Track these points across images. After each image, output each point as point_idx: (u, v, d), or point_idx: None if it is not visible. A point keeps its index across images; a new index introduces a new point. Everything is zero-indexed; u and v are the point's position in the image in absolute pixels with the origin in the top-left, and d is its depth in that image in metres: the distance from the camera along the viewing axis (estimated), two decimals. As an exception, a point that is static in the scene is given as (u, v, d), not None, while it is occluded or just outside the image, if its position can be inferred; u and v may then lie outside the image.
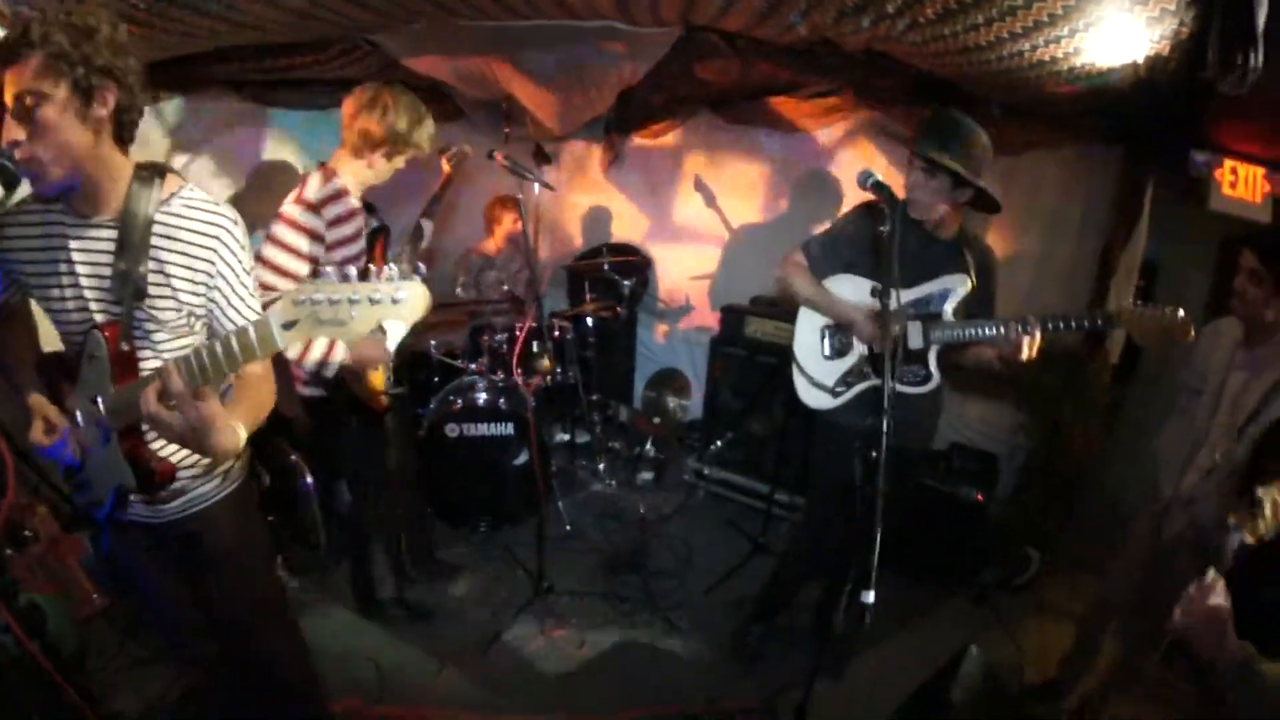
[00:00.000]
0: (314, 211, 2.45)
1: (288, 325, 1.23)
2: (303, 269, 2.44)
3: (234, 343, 1.33)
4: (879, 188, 2.07)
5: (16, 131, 1.40)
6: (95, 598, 2.91)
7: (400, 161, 2.67)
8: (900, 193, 2.29)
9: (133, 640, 2.87)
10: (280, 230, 2.43)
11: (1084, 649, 2.78)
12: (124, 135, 1.56)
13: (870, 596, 1.91)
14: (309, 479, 3.60)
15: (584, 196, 5.48)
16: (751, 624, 3.11)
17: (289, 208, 2.46)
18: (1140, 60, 2.34)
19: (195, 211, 1.60)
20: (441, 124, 3.09)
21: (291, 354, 2.42)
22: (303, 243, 2.43)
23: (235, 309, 1.66)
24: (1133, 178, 3.22)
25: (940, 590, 3.54)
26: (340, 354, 2.47)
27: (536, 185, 4.51)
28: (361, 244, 2.66)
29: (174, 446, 1.65)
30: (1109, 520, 3.30)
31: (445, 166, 3.14)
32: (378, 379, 2.72)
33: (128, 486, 1.58)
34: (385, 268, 1.19)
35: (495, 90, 4.24)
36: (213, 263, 1.60)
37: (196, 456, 1.69)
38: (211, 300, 1.63)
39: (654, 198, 5.22)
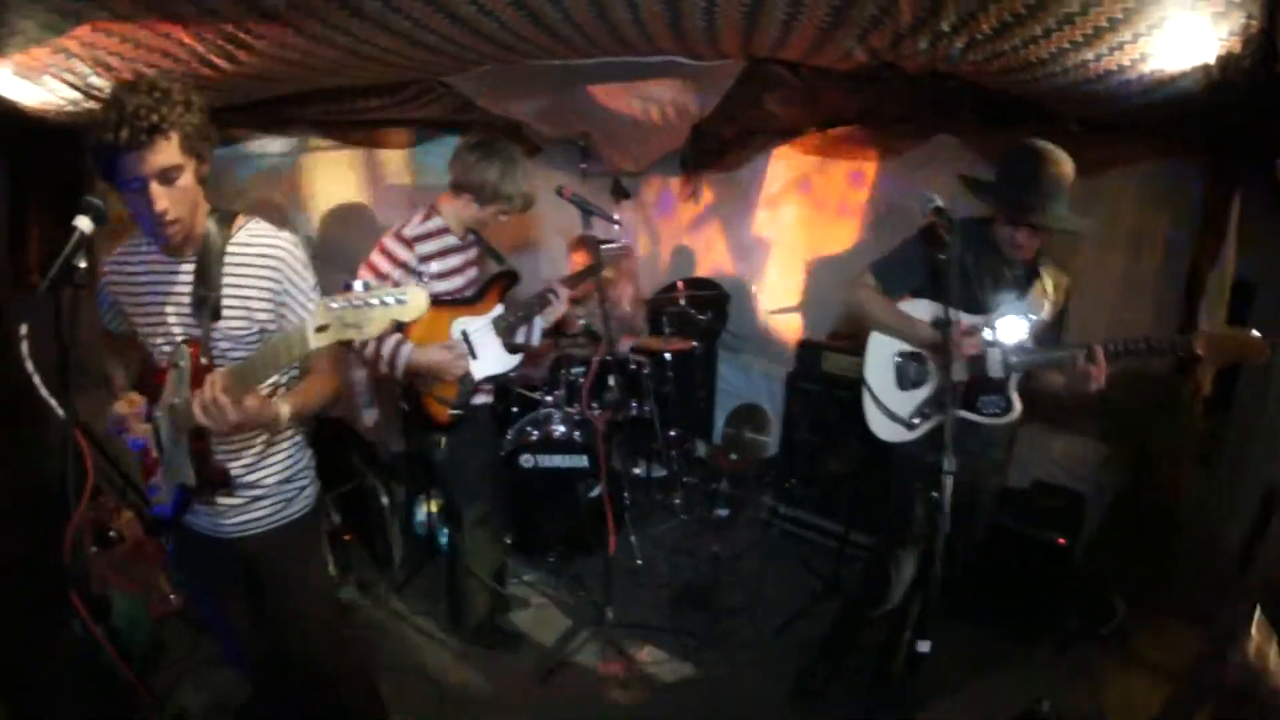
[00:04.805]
0: (407, 245, 2.66)
1: (321, 329, 1.49)
2: None
3: (276, 343, 1.61)
4: (939, 213, 2.04)
5: (164, 201, 1.65)
6: (172, 598, 3.15)
7: (494, 211, 2.79)
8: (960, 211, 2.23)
9: (205, 639, 3.00)
10: (375, 257, 2.67)
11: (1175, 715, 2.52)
12: (206, 185, 1.81)
13: (925, 646, 1.81)
14: (385, 499, 3.74)
15: (663, 231, 5.55)
16: (816, 666, 3.00)
17: (386, 238, 2.70)
18: (1211, 61, 2.25)
19: (259, 239, 1.87)
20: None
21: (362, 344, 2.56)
22: (394, 272, 2.63)
23: (303, 319, 1.85)
24: (1218, 191, 3.05)
25: (1020, 638, 3.31)
26: (405, 356, 2.65)
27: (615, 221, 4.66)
28: (466, 278, 2.86)
29: (232, 452, 1.93)
30: (1206, 568, 3.03)
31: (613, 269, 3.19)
32: (449, 389, 2.80)
33: (188, 484, 1.82)
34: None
35: (571, 128, 4.40)
36: (278, 281, 1.85)
37: (254, 463, 1.96)
38: (282, 315, 1.87)
39: (731, 231, 5.25)
